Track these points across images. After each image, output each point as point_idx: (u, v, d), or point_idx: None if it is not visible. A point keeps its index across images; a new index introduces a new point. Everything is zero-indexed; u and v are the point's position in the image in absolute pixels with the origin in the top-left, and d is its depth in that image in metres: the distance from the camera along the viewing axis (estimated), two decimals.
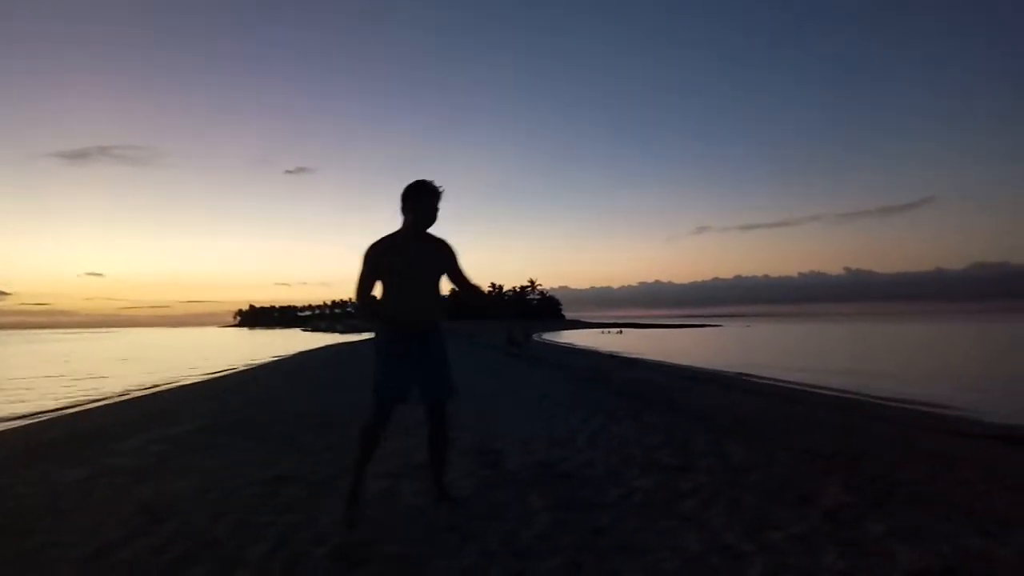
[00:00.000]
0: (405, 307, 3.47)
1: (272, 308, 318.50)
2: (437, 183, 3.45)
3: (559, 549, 2.98)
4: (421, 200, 3.41)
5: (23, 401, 13.50)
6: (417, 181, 3.42)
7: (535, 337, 43.93)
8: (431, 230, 3.53)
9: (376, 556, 2.93)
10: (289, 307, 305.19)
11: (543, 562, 2.83)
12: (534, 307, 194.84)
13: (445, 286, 3.66)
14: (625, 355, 28.98)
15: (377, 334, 3.55)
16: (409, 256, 3.42)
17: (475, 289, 3.72)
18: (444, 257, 3.58)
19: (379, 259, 3.41)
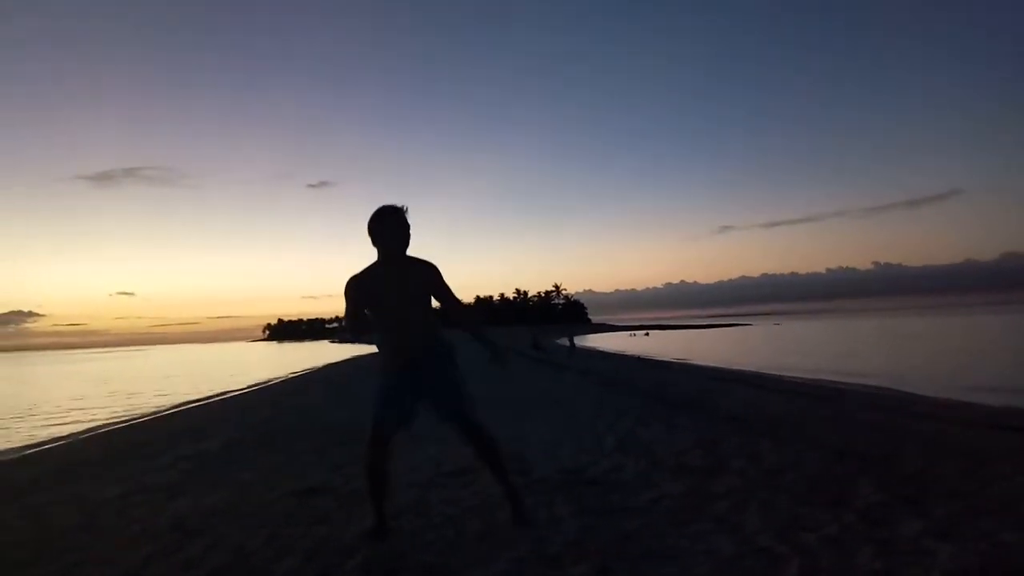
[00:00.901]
0: (390, 340, 3.38)
1: (300, 321, 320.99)
2: (396, 204, 3.33)
3: (589, 555, 2.96)
4: (383, 226, 3.29)
5: (59, 422, 13.71)
6: (375, 211, 3.31)
7: (561, 342, 43.62)
8: (413, 252, 3.39)
9: (407, 567, 2.94)
10: (317, 319, 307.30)
11: (573, 568, 2.81)
12: (559, 312, 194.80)
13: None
14: (652, 358, 28.82)
15: (377, 364, 3.50)
16: (383, 286, 3.30)
17: (460, 308, 3.55)
18: (423, 280, 3.38)
19: (357, 293, 3.34)
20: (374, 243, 3.34)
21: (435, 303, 3.45)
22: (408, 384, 3.35)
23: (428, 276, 3.38)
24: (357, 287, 3.34)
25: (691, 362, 25.83)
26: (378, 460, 3.31)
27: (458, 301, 3.51)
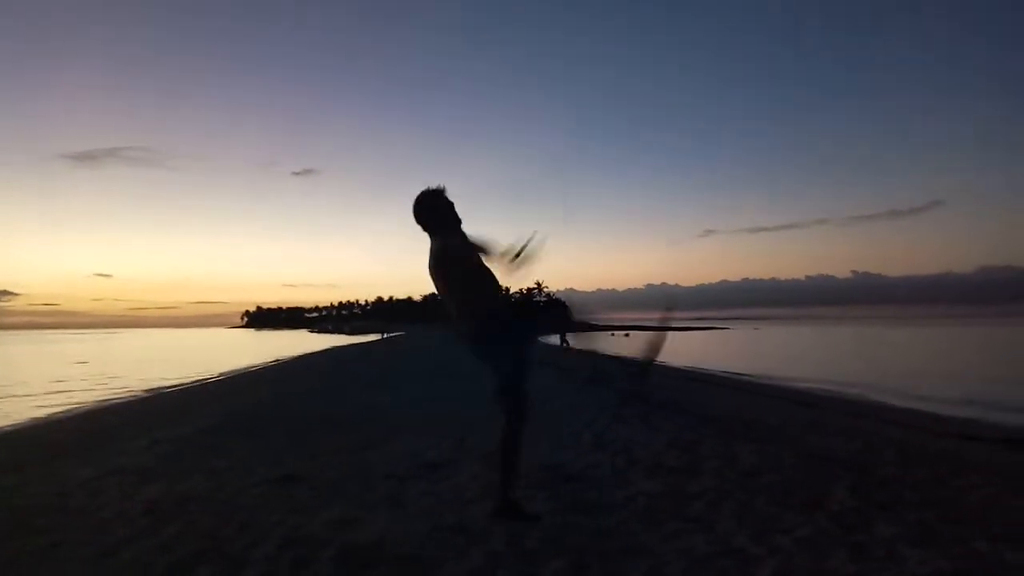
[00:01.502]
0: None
1: (279, 309, 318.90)
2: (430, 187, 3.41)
3: (565, 550, 2.97)
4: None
5: (34, 404, 13.54)
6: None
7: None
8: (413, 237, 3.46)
9: (383, 557, 2.93)
10: (296, 308, 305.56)
11: (549, 563, 2.82)
12: (541, 309, 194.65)
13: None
14: (631, 358, 28.90)
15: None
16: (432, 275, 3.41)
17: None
18: (440, 261, 3.37)
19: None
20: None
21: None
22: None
23: (441, 254, 3.39)
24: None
25: (671, 363, 25.95)
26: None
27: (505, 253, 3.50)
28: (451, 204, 3.42)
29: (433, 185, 3.40)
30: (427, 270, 3.41)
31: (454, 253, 3.34)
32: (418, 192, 3.40)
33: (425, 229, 3.42)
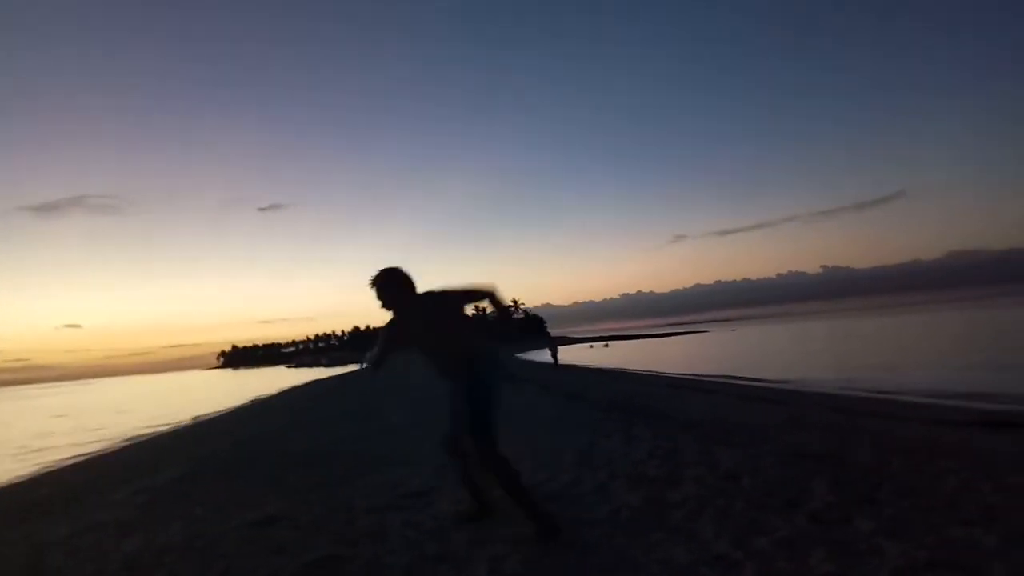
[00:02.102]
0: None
1: (256, 347, 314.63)
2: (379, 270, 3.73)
3: (547, 571, 2.97)
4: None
5: (8, 463, 13.24)
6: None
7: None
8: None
9: None
10: (273, 344, 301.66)
11: None
12: (518, 326, 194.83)
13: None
14: (611, 368, 29.01)
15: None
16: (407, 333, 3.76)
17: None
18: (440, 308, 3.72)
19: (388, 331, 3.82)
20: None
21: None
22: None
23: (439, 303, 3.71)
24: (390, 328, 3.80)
25: (650, 371, 26.06)
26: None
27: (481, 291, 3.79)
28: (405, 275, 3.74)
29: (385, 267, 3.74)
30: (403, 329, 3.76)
31: (452, 300, 3.72)
32: (378, 271, 3.72)
33: (395, 303, 3.72)
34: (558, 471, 5.12)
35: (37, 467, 11.63)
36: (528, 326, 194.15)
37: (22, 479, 10.08)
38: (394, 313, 3.73)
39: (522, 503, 3.51)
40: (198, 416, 20.89)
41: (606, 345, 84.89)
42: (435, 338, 3.68)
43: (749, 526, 3.37)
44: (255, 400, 26.99)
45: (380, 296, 3.69)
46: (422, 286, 3.71)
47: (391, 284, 3.69)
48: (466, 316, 3.77)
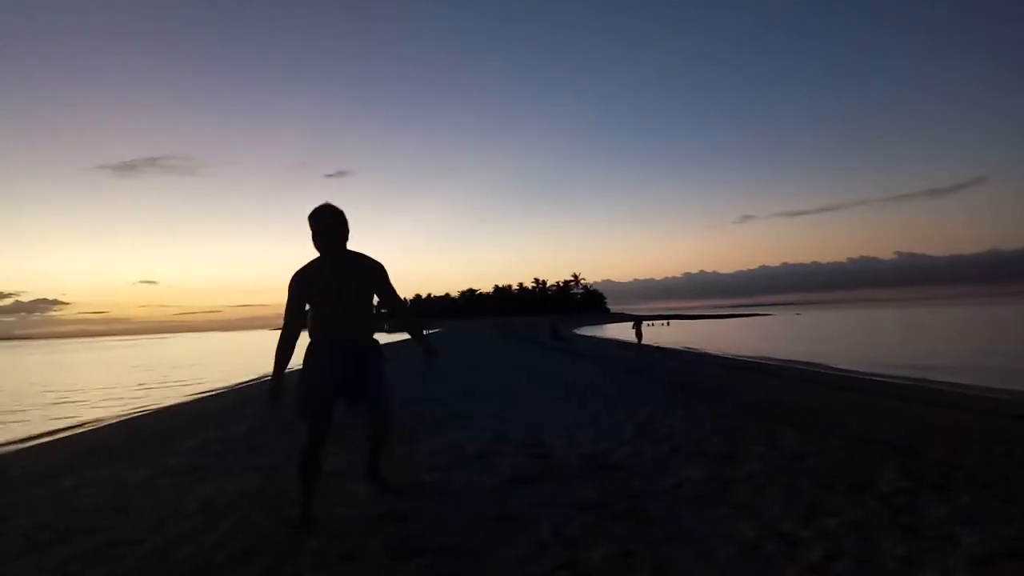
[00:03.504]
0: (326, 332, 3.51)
1: None
2: (327, 203, 3.40)
3: (610, 538, 2.98)
4: (312, 229, 3.37)
5: (87, 409, 13.98)
6: (312, 211, 3.39)
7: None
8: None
9: (430, 547, 2.97)
10: None
11: (594, 550, 2.83)
12: (578, 301, 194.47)
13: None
14: (671, 347, 28.72)
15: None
16: (325, 282, 3.40)
17: (403, 307, 3.81)
18: (368, 278, 3.52)
19: (300, 288, 3.42)
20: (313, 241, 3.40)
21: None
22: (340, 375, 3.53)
23: (374, 275, 3.54)
24: (300, 283, 3.41)
25: (711, 352, 25.72)
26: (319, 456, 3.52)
27: (401, 300, 3.74)
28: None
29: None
30: (323, 276, 3.40)
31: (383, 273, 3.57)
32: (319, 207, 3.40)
33: (333, 244, 3.41)
34: (619, 443, 5.12)
35: (117, 415, 12.24)
36: (588, 302, 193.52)
37: (99, 426, 10.63)
38: (324, 260, 3.40)
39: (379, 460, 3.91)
40: (265, 374, 21.57)
41: (666, 324, 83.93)
42: (353, 301, 3.45)
43: (816, 506, 3.31)
44: None
45: (328, 234, 3.36)
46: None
47: (344, 224, 3.41)
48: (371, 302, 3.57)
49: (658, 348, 26.87)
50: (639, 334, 28.78)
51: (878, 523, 3.03)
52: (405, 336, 5.18)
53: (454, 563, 2.80)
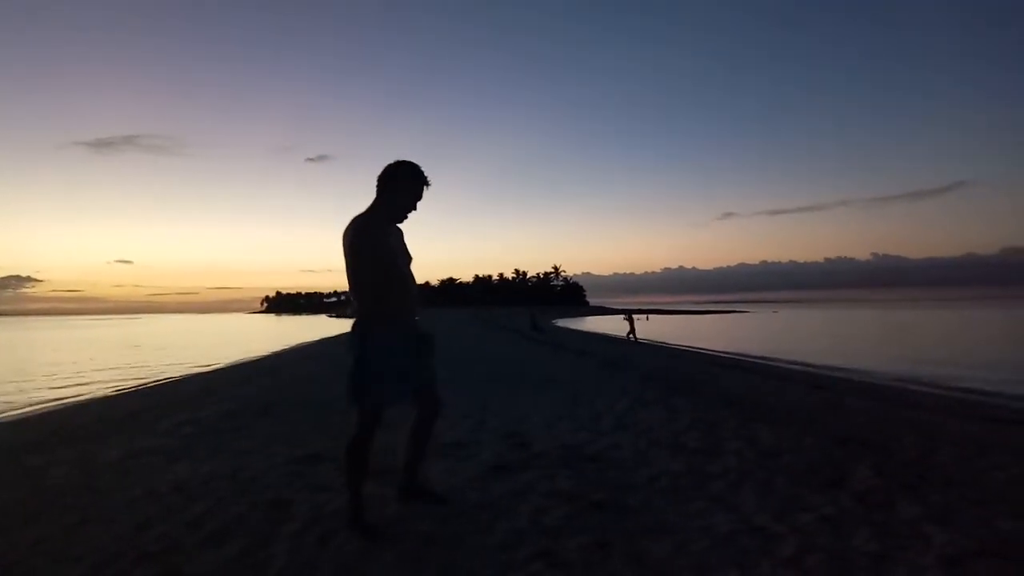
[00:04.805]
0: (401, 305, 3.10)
1: (298, 294, 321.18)
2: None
3: (587, 528, 2.99)
4: (408, 187, 3.06)
5: (58, 387, 13.79)
6: (408, 163, 3.09)
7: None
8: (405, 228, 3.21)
9: (408, 534, 2.97)
10: (315, 293, 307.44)
11: (572, 540, 2.85)
12: (558, 293, 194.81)
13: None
14: (649, 341, 28.88)
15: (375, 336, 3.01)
16: (399, 246, 3.14)
17: None
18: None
19: (383, 244, 3.02)
20: (393, 194, 3.05)
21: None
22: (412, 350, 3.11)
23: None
24: (383, 237, 3.02)
25: (689, 347, 25.89)
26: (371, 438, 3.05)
27: None
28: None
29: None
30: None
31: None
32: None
33: (408, 214, 3.12)
34: (598, 434, 5.14)
35: (87, 394, 12.09)
36: (568, 294, 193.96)
37: (70, 404, 10.50)
38: (388, 224, 3.10)
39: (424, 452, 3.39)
40: (241, 358, 21.41)
41: (646, 318, 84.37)
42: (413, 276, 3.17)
43: (791, 501, 3.35)
44: (298, 346, 27.52)
45: (416, 202, 3.10)
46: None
47: None
48: None
49: (637, 342, 26.99)
50: (632, 328, 28.89)
51: (852, 520, 3.07)
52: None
53: (433, 549, 2.80)
